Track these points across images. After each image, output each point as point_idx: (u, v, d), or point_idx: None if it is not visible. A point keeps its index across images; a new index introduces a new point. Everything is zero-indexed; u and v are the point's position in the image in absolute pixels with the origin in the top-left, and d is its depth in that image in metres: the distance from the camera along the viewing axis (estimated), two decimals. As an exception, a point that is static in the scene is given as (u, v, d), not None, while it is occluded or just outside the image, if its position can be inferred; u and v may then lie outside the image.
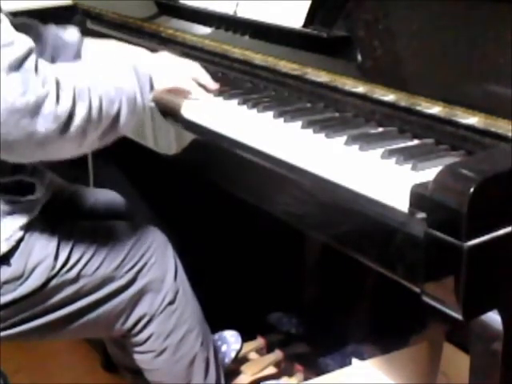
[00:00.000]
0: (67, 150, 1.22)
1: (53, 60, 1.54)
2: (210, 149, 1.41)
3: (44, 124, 1.13)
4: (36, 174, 1.34)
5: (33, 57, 1.14)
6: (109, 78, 1.26)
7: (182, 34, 1.77)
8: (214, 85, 1.50)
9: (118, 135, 1.29)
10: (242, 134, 1.31)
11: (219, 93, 1.49)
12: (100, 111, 1.21)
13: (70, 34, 1.60)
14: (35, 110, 1.12)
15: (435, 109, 1.20)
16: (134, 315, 1.46)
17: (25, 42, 1.14)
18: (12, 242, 1.30)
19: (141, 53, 1.57)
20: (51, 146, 1.17)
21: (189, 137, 1.48)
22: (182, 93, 1.46)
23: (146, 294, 1.45)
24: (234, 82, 1.57)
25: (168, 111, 1.49)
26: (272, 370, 1.93)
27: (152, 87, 1.34)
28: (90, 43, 1.62)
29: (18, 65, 1.11)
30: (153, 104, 1.46)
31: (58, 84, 1.15)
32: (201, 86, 1.48)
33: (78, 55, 1.59)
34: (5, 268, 1.30)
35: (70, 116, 1.16)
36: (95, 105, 1.20)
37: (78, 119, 1.17)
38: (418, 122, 1.23)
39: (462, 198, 0.91)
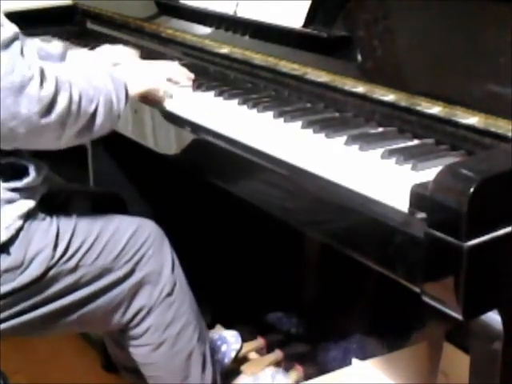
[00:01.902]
0: (46, 140, 1.26)
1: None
2: (209, 149, 1.41)
3: (27, 105, 1.18)
4: (30, 159, 1.36)
5: (19, 41, 1.20)
6: (89, 78, 1.31)
7: (182, 33, 1.77)
8: (189, 81, 1.55)
9: (93, 136, 1.34)
10: (241, 134, 1.31)
11: (220, 93, 1.49)
12: (79, 106, 1.26)
13: (54, 46, 1.62)
14: (20, 89, 1.17)
15: (435, 109, 1.20)
16: (133, 308, 1.46)
17: (12, 27, 1.20)
18: (11, 231, 1.30)
19: (118, 57, 1.60)
20: (32, 131, 1.21)
21: (189, 137, 1.48)
22: (157, 93, 1.49)
23: (143, 287, 1.46)
24: (234, 82, 1.57)
25: (168, 111, 1.49)
26: (272, 370, 1.93)
27: (127, 94, 1.38)
28: (74, 55, 1.64)
29: (5, 45, 1.17)
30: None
31: (41, 70, 1.21)
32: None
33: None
34: (4, 257, 1.31)
35: (52, 102, 1.21)
36: (75, 99, 1.25)
37: (59, 107, 1.22)
38: (418, 121, 1.23)
39: (462, 198, 0.91)
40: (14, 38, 1.19)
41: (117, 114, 1.35)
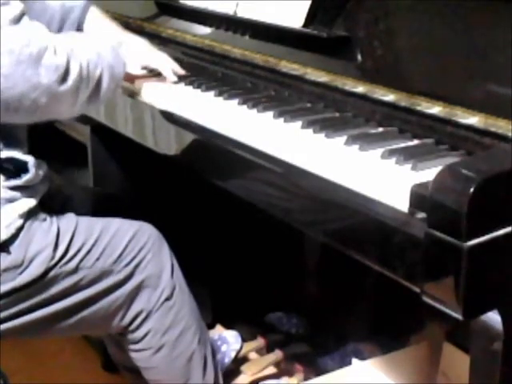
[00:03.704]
0: (64, 107, 1.31)
1: (61, 26, 1.61)
2: (209, 149, 1.41)
3: (46, 74, 1.23)
4: (29, 154, 1.36)
5: (26, 16, 1.25)
6: (90, 45, 1.36)
7: (182, 34, 1.77)
8: (179, 70, 1.61)
9: (101, 100, 1.39)
10: (241, 134, 1.31)
11: (220, 93, 1.49)
12: (88, 71, 1.31)
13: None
14: (37, 60, 1.22)
15: (435, 109, 1.20)
16: (132, 311, 1.46)
17: (18, 3, 1.24)
18: (12, 230, 1.31)
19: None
20: (52, 99, 1.25)
21: (189, 137, 1.48)
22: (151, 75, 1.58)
23: (143, 290, 1.46)
24: (234, 82, 1.57)
25: (168, 111, 1.49)
26: (272, 369, 1.93)
27: (124, 63, 1.43)
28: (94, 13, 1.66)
29: (16, 20, 1.22)
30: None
31: (52, 40, 1.26)
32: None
33: (82, 18, 1.62)
34: (4, 256, 1.31)
35: (67, 70, 1.26)
36: (84, 65, 1.30)
37: (73, 73, 1.27)
38: (418, 121, 1.23)
39: (462, 198, 0.91)
40: (22, 13, 1.24)
41: (118, 79, 1.41)
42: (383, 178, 1.09)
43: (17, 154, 1.33)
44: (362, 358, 1.57)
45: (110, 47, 1.41)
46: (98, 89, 1.34)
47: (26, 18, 1.24)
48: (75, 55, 1.29)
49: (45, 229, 1.35)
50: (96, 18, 1.64)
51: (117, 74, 1.39)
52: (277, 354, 1.94)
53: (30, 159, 1.34)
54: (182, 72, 1.62)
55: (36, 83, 1.22)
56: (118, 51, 1.43)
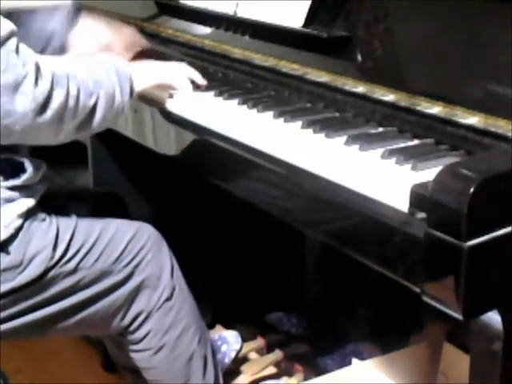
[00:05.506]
0: (44, 136, 1.27)
1: (43, 47, 1.55)
2: (209, 149, 1.41)
3: (22, 103, 1.18)
4: (27, 156, 1.36)
5: (14, 39, 1.20)
6: (89, 71, 1.31)
7: (182, 34, 1.77)
8: (201, 81, 1.52)
9: (94, 129, 1.34)
10: (241, 134, 1.31)
11: (220, 93, 1.49)
12: (77, 101, 1.26)
13: (58, 20, 1.60)
14: (14, 88, 1.17)
15: (435, 109, 1.20)
16: (132, 312, 1.46)
17: (8, 24, 1.19)
18: (11, 230, 1.31)
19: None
20: (29, 128, 1.21)
21: (189, 137, 1.48)
22: (164, 87, 1.48)
23: (143, 291, 1.46)
24: (234, 82, 1.57)
25: (168, 111, 1.49)
26: (272, 369, 1.93)
27: (132, 87, 1.37)
28: (81, 31, 1.61)
29: (1, 43, 1.17)
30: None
31: (37, 67, 1.21)
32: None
33: (65, 41, 1.58)
34: (4, 256, 1.31)
35: (48, 99, 1.21)
36: (73, 93, 1.25)
37: (55, 104, 1.22)
38: (418, 122, 1.23)
39: (462, 198, 0.91)
40: (10, 36, 1.19)
41: (121, 107, 1.35)
42: (383, 177, 1.09)
43: (12, 155, 1.32)
44: (362, 358, 1.57)
45: (114, 69, 1.35)
46: (90, 118, 1.30)
47: (12, 41, 1.19)
48: (63, 83, 1.24)
49: (44, 229, 1.35)
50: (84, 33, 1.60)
51: (118, 102, 1.34)
52: (277, 354, 1.94)
53: (26, 159, 1.34)
54: (203, 82, 1.51)
55: (10, 110, 1.18)
56: (124, 72, 1.36)
